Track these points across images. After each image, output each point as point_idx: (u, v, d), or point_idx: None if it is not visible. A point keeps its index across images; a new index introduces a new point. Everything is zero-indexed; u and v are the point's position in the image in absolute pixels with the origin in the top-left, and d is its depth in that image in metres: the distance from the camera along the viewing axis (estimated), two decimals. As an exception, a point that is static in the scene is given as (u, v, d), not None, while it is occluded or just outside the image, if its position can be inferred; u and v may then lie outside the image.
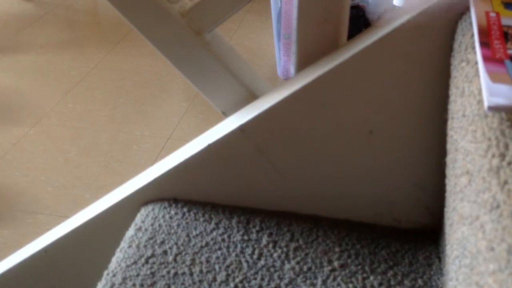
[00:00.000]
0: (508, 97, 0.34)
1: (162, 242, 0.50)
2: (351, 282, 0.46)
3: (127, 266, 0.48)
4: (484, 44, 0.39)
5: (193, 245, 0.50)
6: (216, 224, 0.52)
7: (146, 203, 0.54)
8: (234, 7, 0.51)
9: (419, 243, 0.51)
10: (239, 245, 0.50)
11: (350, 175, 0.52)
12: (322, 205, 0.54)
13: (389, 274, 0.47)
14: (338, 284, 0.46)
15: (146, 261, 0.48)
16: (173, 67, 0.54)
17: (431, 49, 0.46)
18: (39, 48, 1.59)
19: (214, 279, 0.47)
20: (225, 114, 0.56)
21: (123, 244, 0.50)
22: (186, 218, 0.53)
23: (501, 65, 0.37)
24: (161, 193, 0.54)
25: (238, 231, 0.52)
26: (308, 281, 0.46)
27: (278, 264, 0.48)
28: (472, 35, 0.41)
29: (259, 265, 0.48)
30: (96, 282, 0.47)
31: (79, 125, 1.25)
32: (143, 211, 0.54)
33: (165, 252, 0.49)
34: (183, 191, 0.54)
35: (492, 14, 0.42)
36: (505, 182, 0.30)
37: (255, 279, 0.47)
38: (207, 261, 0.48)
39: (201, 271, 0.47)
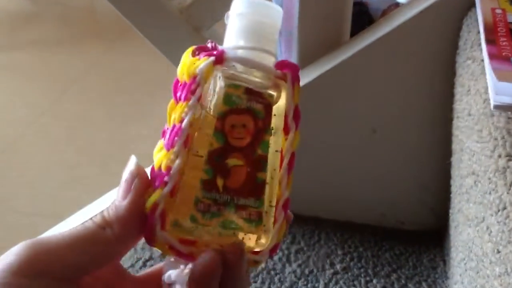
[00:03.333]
0: (516, 96, 0.33)
1: (160, 244, 0.49)
2: (354, 285, 0.46)
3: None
4: (490, 41, 0.38)
5: (192, 247, 0.49)
6: (216, 225, 0.52)
7: (144, 204, 0.54)
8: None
9: (423, 245, 0.50)
10: (239, 247, 0.49)
11: (353, 176, 0.52)
12: (324, 207, 0.53)
13: (392, 277, 0.47)
14: None
15: (144, 264, 0.47)
16: (171, 64, 0.53)
17: (435, 47, 0.45)
18: (35, 46, 1.58)
19: (214, 282, 0.46)
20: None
21: (121, 246, 0.49)
22: (185, 220, 0.52)
23: (507, 63, 0.37)
24: (159, 194, 0.54)
25: (238, 232, 0.51)
26: (309, 285, 0.46)
27: (279, 267, 0.47)
28: (478, 32, 0.40)
29: (259, 268, 0.47)
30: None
31: (76, 124, 1.24)
32: (140, 213, 0.53)
33: (163, 255, 0.48)
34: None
35: (498, 11, 0.41)
36: (512, 183, 0.29)
37: (255, 282, 0.46)
38: (206, 264, 0.47)
39: (200, 274, 0.47)
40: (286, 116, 0.21)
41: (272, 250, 0.22)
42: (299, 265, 0.48)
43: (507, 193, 0.29)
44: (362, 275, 0.47)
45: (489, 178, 0.31)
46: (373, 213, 0.53)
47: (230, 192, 0.21)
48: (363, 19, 0.81)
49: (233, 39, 0.21)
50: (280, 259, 0.48)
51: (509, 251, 0.27)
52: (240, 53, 0.21)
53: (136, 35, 0.52)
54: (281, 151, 0.22)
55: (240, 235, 0.21)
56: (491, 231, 0.29)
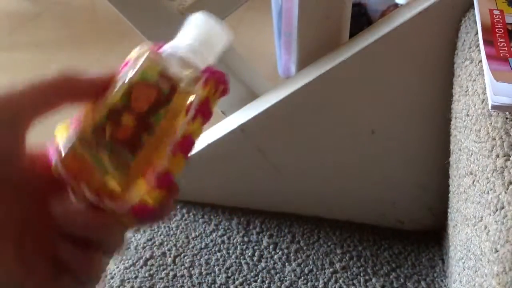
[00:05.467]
0: (513, 96, 0.34)
1: (161, 244, 0.49)
2: (353, 284, 0.46)
3: (125, 268, 0.47)
4: (488, 42, 0.38)
5: (192, 247, 0.49)
6: (216, 225, 0.52)
7: (144, 204, 0.54)
8: (233, 4, 0.50)
9: (422, 245, 0.51)
10: (239, 247, 0.49)
11: (352, 176, 0.52)
12: (324, 206, 0.54)
13: (391, 276, 0.47)
14: (340, 287, 0.46)
15: (145, 263, 0.47)
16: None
17: (434, 48, 0.45)
18: (35, 47, 1.58)
19: (214, 282, 0.46)
20: (225, 113, 0.55)
21: (121, 245, 0.49)
22: (185, 219, 0.53)
23: (505, 64, 0.37)
24: (159, 193, 0.54)
25: (238, 232, 0.51)
26: (309, 284, 0.46)
27: (279, 266, 0.48)
28: (476, 33, 0.40)
29: (259, 267, 0.47)
30: (93, 284, 0.46)
31: (76, 124, 1.24)
32: (141, 212, 0.53)
33: (164, 254, 0.48)
34: (182, 192, 0.53)
35: (496, 12, 0.42)
36: (510, 183, 0.29)
37: (255, 281, 0.46)
38: (207, 263, 0.48)
39: (200, 273, 0.47)
40: (189, 104, 0.25)
41: (136, 210, 0.24)
42: (299, 264, 0.48)
43: (505, 192, 0.29)
44: (362, 274, 0.47)
45: (487, 178, 0.31)
46: (372, 212, 0.53)
47: (113, 140, 0.25)
48: (362, 20, 0.81)
49: (178, 39, 0.27)
50: (280, 258, 0.48)
51: (506, 250, 0.27)
52: (174, 49, 0.26)
53: (136, 35, 0.52)
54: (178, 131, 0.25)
55: (107, 177, 0.25)
56: (489, 231, 0.30)
